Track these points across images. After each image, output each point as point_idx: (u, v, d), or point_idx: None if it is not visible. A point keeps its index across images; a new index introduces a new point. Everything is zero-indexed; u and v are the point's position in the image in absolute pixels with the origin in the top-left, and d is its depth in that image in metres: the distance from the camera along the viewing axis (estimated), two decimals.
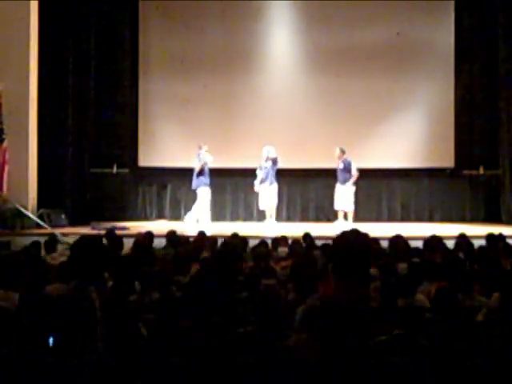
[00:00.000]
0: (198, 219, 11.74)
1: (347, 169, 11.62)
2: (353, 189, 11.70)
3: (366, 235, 3.18)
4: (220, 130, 12.83)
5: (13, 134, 10.57)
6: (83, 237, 5.14)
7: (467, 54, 12.81)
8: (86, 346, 2.98)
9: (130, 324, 3.45)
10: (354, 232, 3.01)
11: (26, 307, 3.55)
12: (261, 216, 12.12)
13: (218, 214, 12.78)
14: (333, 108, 12.83)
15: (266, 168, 11.67)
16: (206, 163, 11.70)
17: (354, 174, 11.61)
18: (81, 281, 3.77)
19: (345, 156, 11.65)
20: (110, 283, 4.56)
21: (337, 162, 11.71)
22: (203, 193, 11.75)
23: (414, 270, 4.69)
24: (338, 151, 11.65)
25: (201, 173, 11.68)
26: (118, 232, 7.97)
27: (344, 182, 11.65)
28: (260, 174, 11.75)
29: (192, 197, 12.44)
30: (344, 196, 11.67)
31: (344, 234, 2.99)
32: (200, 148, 11.74)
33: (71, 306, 3.08)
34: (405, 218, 12.85)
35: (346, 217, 11.81)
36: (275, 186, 11.76)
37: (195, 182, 11.76)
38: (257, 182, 11.76)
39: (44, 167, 11.69)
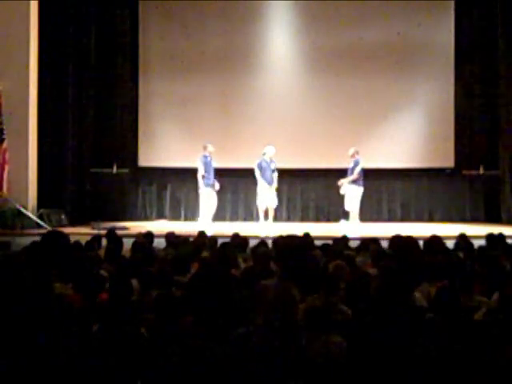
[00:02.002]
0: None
1: (354, 169, 11.57)
2: (361, 190, 11.61)
3: None
4: (220, 130, 12.83)
5: (13, 134, 10.58)
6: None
7: (467, 53, 12.81)
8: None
9: (130, 324, 3.45)
10: None
11: (31, 307, 3.54)
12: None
13: (218, 214, 12.77)
14: (333, 108, 12.82)
15: (272, 170, 11.57)
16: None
17: (354, 174, 11.56)
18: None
19: (357, 156, 11.58)
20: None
21: (347, 161, 11.60)
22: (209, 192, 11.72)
23: (414, 270, 4.68)
24: (352, 150, 11.56)
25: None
26: (118, 232, 7.95)
27: (352, 181, 11.59)
28: (258, 172, 11.59)
29: (192, 197, 12.46)
30: (350, 196, 11.62)
31: None
32: (205, 149, 11.58)
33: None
34: (405, 218, 12.84)
35: (348, 217, 11.79)
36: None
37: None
38: (259, 177, 11.53)
39: (44, 167, 11.69)
